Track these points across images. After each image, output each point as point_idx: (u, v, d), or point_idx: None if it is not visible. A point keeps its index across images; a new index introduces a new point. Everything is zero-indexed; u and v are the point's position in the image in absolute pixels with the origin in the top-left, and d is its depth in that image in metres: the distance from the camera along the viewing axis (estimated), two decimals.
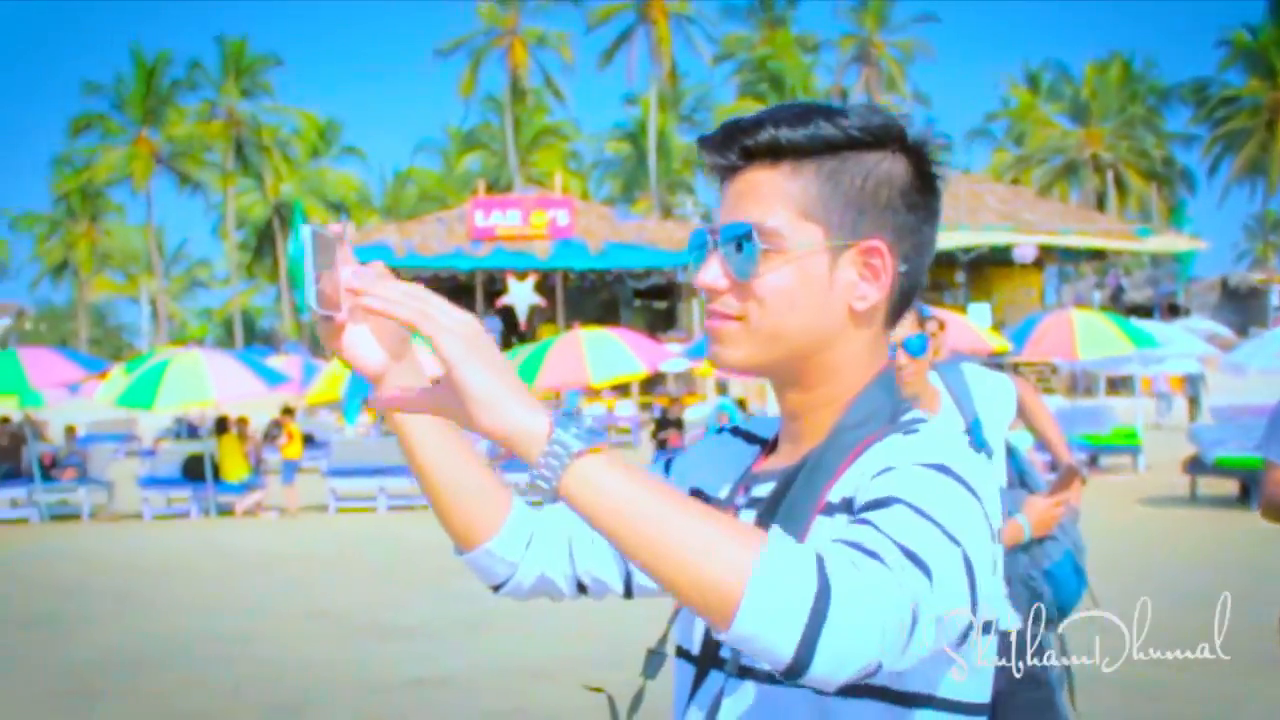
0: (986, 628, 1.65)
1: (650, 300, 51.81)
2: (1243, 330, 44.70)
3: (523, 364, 22.63)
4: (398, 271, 1.68)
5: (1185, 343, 25.58)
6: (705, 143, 1.76)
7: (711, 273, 1.72)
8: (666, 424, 24.04)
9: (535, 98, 75.04)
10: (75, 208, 78.44)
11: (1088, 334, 22.93)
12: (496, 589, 1.96)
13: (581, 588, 1.97)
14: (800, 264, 1.68)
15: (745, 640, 1.37)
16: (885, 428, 1.70)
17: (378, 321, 1.67)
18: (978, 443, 4.28)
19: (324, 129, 79.76)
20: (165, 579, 14.42)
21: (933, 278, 35.64)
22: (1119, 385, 39.74)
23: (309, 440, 25.97)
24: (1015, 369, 43.11)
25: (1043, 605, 4.30)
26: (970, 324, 25.82)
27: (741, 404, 22.24)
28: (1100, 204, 69.17)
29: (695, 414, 27.56)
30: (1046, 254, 49.67)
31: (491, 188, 57.44)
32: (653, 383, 37.19)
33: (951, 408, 4.36)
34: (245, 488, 20.86)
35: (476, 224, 42.54)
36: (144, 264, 79.82)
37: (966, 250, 47.23)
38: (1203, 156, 74.51)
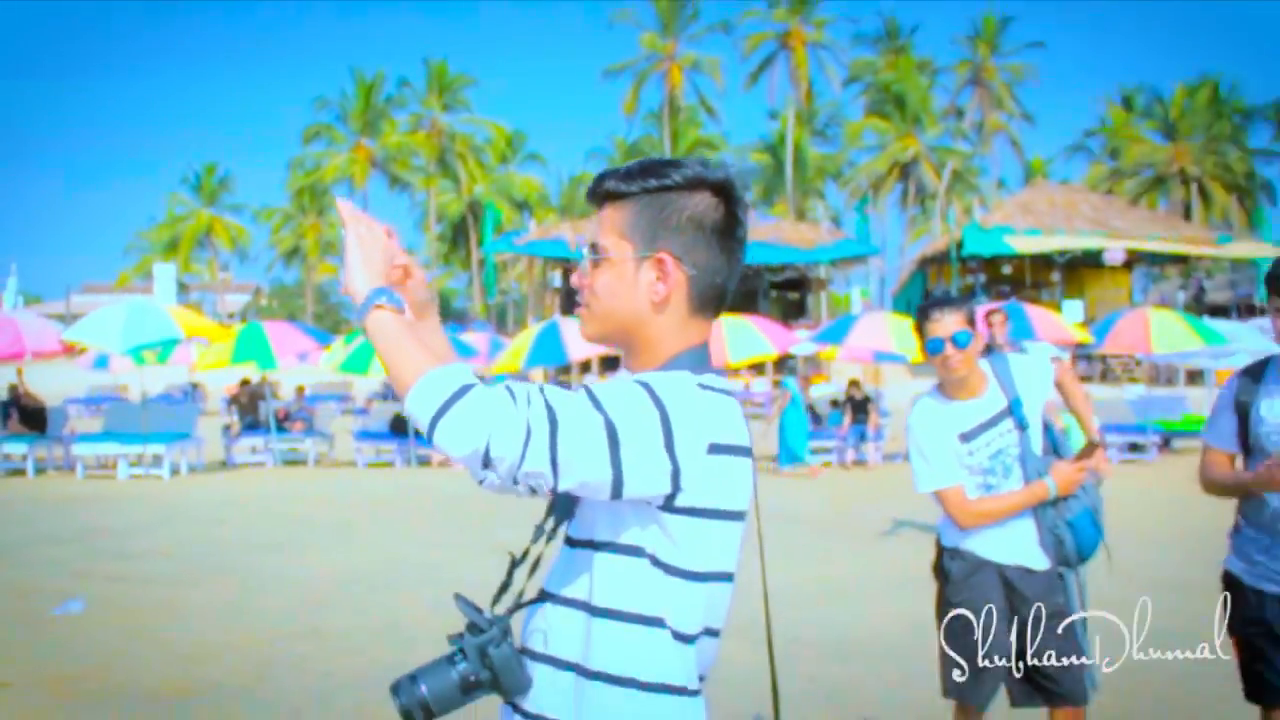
0: (683, 509, 1.99)
1: (784, 292, 51.50)
2: None
3: None
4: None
5: (1253, 340, 24.88)
6: (587, 191, 2.21)
7: (576, 274, 2.21)
8: None
9: (689, 114, 74.66)
10: (305, 203, 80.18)
11: (1162, 331, 22.50)
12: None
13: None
14: (617, 269, 2.12)
15: (412, 416, 1.91)
16: None
17: (408, 293, 2.23)
18: (1017, 418, 4.43)
19: (511, 138, 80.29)
20: (375, 515, 14.87)
21: (1032, 277, 35.33)
22: (1196, 377, 39.03)
23: None
24: (1104, 360, 42.59)
25: (1065, 550, 4.48)
26: (1059, 319, 25.60)
27: (854, 384, 22.28)
28: (1186, 213, 66.90)
29: (819, 392, 27.69)
30: (1135, 258, 48.53)
31: None
32: (783, 364, 37.40)
33: (996, 388, 4.49)
34: None
35: None
36: None
37: (1062, 253, 46.35)
38: None
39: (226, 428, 22.96)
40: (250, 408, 23.06)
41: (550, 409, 1.88)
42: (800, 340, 26.00)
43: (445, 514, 14.76)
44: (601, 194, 2.17)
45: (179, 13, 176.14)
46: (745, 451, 2.09)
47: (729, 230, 2.15)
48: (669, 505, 1.99)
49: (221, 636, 8.29)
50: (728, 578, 2.13)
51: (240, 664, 7.54)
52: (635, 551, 2.04)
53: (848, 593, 9.86)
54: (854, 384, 22.15)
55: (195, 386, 36.96)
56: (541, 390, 1.91)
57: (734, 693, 5.93)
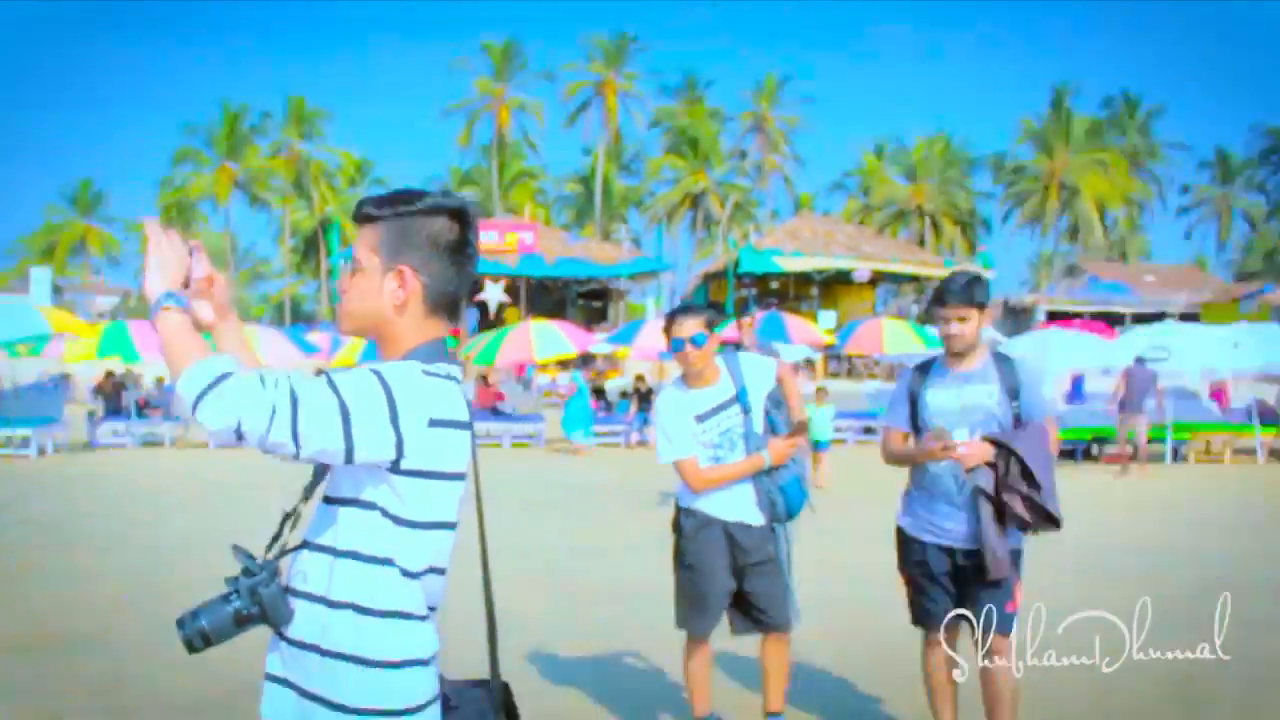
0: (408, 472, 2.07)
1: (589, 301, 52.05)
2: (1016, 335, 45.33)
3: (489, 343, 22.76)
4: None
5: None
6: (352, 214, 2.26)
7: (339, 281, 2.27)
8: (593, 392, 24.22)
9: (515, 148, 74.07)
10: (174, 217, 76.98)
11: (892, 336, 23.37)
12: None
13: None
14: (368, 278, 2.19)
15: (180, 399, 1.96)
16: None
17: (212, 298, 2.29)
18: (742, 404, 4.65)
19: (359, 165, 78.40)
20: (223, 490, 14.66)
21: (795, 291, 36.03)
22: None
23: None
24: (850, 360, 43.94)
25: (777, 510, 4.67)
26: (813, 326, 26.36)
27: (640, 378, 22.62)
28: (921, 242, 69.27)
29: (613, 384, 27.97)
30: (879, 277, 50.24)
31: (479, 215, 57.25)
32: (587, 361, 37.65)
33: (728, 379, 4.69)
34: None
35: None
36: (221, 261, 78.28)
37: (820, 272, 47.83)
38: (998, 208, 74.15)
39: (91, 414, 22.19)
40: (113, 396, 22.45)
41: (293, 392, 1.97)
42: (598, 341, 26.27)
43: (282, 485, 14.40)
44: (361, 216, 2.23)
45: (67, 45, 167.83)
46: (464, 425, 2.18)
47: (461, 248, 2.22)
48: (396, 468, 2.08)
49: (76, 593, 8.11)
50: (450, 526, 2.21)
51: (91, 617, 7.39)
52: (370, 506, 2.12)
53: (621, 547, 10.08)
54: (639, 378, 22.49)
55: (65, 377, 35.37)
56: (289, 377, 1.99)
57: (525, 633, 6.05)
